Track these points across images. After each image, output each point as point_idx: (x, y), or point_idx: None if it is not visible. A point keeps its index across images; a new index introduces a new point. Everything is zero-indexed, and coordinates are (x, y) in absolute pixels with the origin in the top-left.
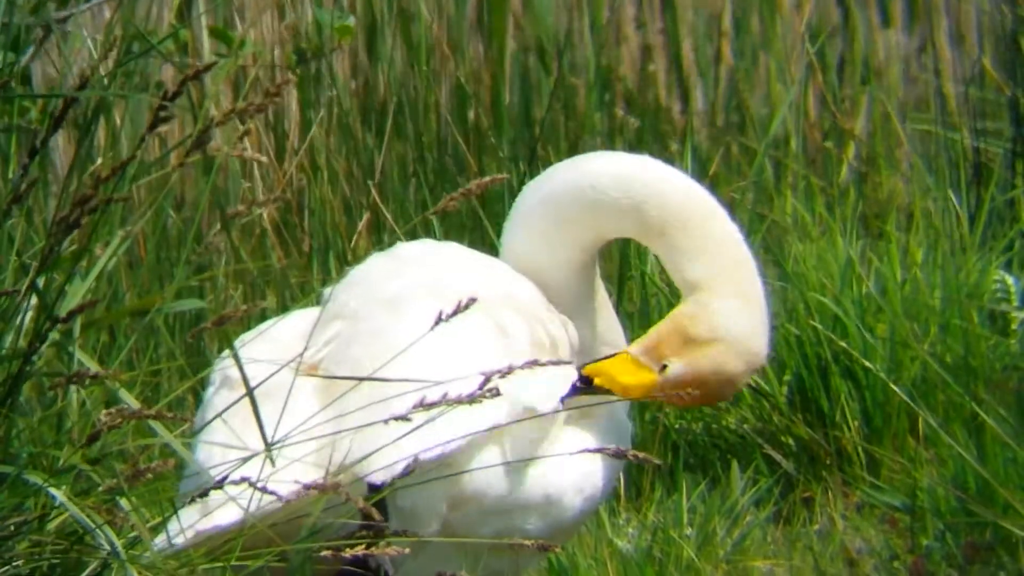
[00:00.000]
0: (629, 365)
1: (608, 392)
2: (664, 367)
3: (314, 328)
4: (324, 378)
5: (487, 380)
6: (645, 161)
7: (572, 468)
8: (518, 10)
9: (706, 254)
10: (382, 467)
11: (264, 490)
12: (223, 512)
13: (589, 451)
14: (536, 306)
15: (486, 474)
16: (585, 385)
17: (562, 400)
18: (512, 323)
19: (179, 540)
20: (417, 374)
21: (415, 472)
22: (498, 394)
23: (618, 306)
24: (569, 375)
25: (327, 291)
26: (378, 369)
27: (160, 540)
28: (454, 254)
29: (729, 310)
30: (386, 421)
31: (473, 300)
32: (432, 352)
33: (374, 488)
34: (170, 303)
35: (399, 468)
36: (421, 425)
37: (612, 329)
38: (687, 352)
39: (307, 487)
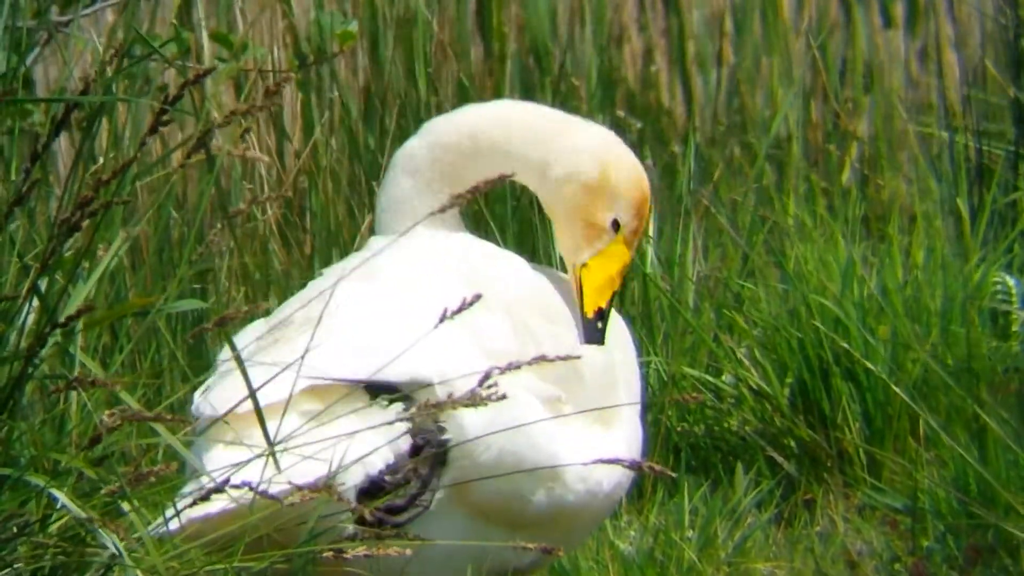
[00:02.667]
0: (597, 264)
1: (613, 296)
2: (616, 225)
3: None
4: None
5: (486, 376)
6: (468, 107)
7: (581, 452)
8: (519, 11)
9: (540, 144)
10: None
11: (263, 494)
12: (215, 502)
13: (603, 461)
14: (529, 315)
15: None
16: (600, 319)
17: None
18: (489, 321)
19: (172, 526)
20: (358, 334)
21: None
22: (503, 397)
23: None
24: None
25: (325, 270)
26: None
27: (152, 529)
28: (461, 243)
29: (569, 148)
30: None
31: (478, 297)
32: (372, 314)
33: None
34: (171, 303)
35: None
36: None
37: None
38: (605, 202)
39: (300, 488)
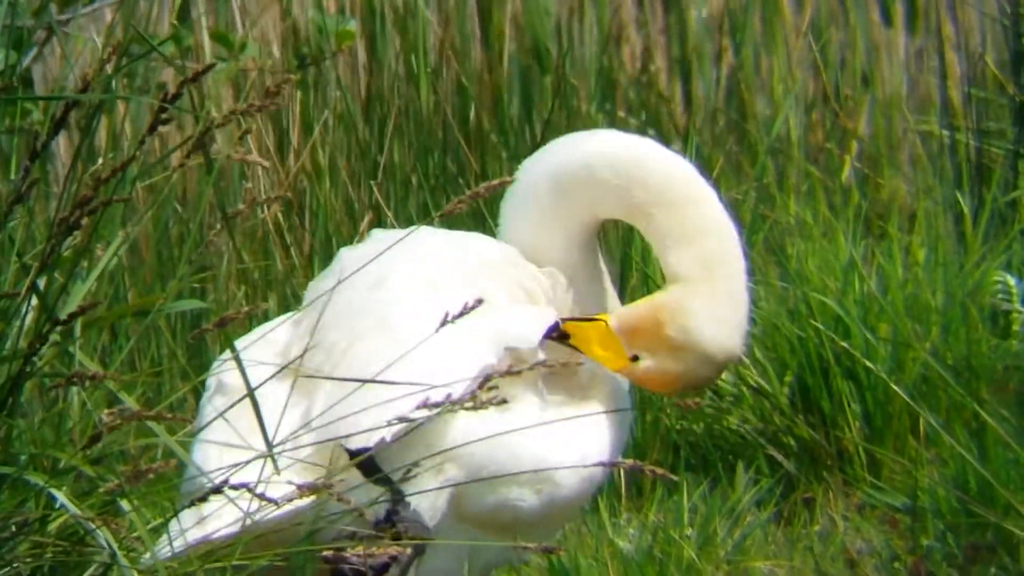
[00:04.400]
0: (604, 336)
1: (579, 351)
2: (636, 358)
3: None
4: (322, 378)
5: (487, 379)
6: (639, 141)
7: (568, 447)
8: (519, 10)
9: (688, 242)
10: (362, 431)
11: (261, 496)
12: (217, 520)
13: (604, 464)
14: (507, 264)
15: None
16: (560, 338)
17: (541, 339)
18: (488, 287)
19: (177, 545)
20: (396, 347)
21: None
22: (504, 402)
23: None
24: (549, 317)
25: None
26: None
27: (158, 546)
28: (426, 232)
29: (703, 315)
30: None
31: (480, 302)
32: (414, 324)
33: (353, 453)
34: (171, 303)
35: (377, 435)
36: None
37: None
38: (659, 349)
39: (300, 487)
